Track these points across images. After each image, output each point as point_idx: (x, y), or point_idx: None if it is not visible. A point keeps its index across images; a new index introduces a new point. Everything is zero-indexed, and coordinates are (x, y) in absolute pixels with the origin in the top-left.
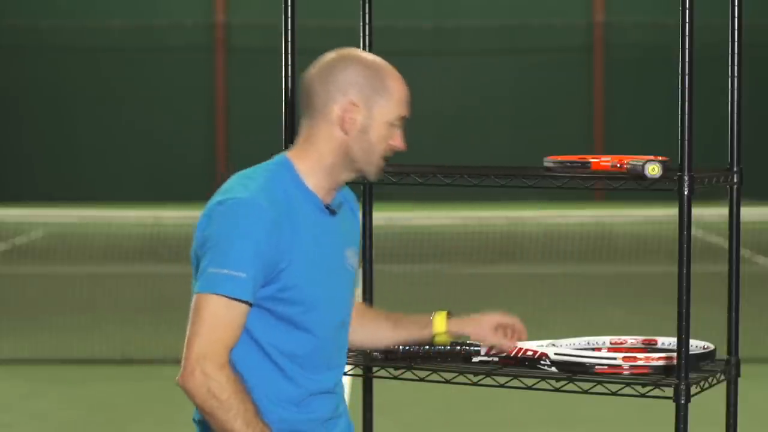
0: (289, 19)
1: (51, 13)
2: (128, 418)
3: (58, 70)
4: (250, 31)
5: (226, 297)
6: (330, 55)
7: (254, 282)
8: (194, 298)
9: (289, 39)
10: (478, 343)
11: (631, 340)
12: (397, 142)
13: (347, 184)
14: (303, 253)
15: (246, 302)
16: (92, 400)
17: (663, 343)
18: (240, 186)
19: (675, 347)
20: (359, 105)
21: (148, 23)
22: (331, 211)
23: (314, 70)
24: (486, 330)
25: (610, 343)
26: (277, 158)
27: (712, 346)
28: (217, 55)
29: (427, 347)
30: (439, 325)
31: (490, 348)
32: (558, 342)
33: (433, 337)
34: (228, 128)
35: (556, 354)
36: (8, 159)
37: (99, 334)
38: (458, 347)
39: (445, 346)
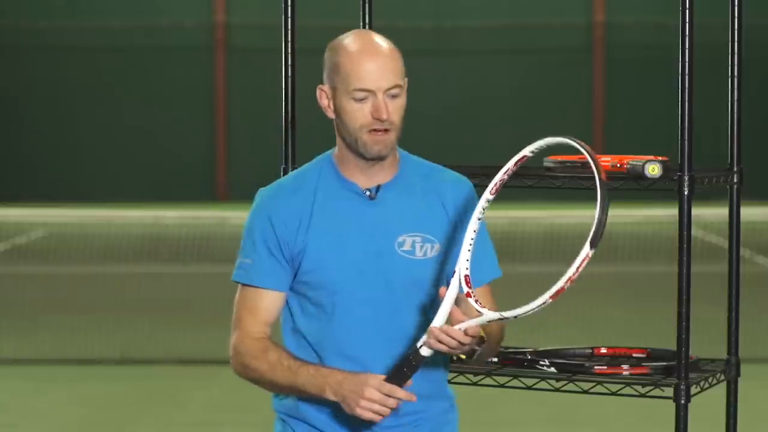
0: (289, 19)
1: (51, 13)
2: (128, 418)
3: (58, 70)
4: (250, 31)
5: (240, 283)
6: None
7: (266, 267)
8: None
9: (289, 39)
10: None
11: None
12: (375, 112)
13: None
14: (325, 237)
15: (254, 286)
16: (92, 400)
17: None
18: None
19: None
20: (325, 89)
21: (148, 23)
22: (370, 196)
23: None
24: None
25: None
26: (325, 153)
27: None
28: (217, 55)
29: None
30: None
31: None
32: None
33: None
34: (228, 128)
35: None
36: (8, 159)
37: (99, 334)
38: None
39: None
